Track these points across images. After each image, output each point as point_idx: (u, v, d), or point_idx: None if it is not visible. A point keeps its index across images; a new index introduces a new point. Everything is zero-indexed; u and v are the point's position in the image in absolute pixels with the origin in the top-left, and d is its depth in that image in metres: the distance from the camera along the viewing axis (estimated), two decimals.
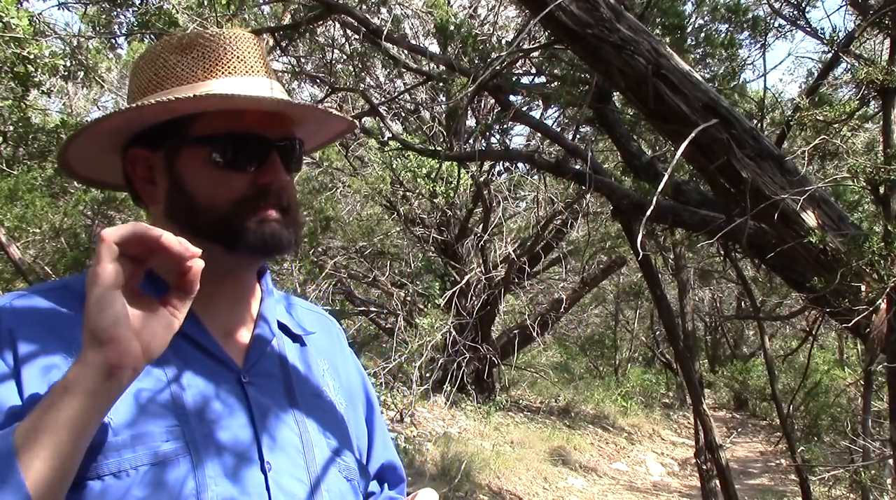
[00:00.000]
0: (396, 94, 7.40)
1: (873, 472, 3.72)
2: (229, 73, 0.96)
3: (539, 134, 7.03)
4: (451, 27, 4.08)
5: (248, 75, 0.97)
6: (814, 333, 4.80)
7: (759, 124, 3.75)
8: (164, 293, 0.81)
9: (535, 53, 4.17)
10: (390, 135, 5.45)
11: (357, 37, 5.46)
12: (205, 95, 0.91)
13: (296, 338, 1.07)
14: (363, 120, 5.72)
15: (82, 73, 5.39)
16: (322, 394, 1.05)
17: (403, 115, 8.60)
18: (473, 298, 8.71)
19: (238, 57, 0.97)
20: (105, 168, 1.03)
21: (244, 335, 1.01)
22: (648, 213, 2.25)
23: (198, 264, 0.80)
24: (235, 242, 0.94)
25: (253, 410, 0.93)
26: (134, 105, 0.93)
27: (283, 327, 1.06)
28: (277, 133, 0.97)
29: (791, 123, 3.25)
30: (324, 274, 7.63)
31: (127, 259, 0.76)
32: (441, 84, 4.53)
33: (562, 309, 9.79)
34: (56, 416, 0.74)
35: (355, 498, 1.02)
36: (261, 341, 1.01)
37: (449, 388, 8.21)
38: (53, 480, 0.74)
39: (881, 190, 2.27)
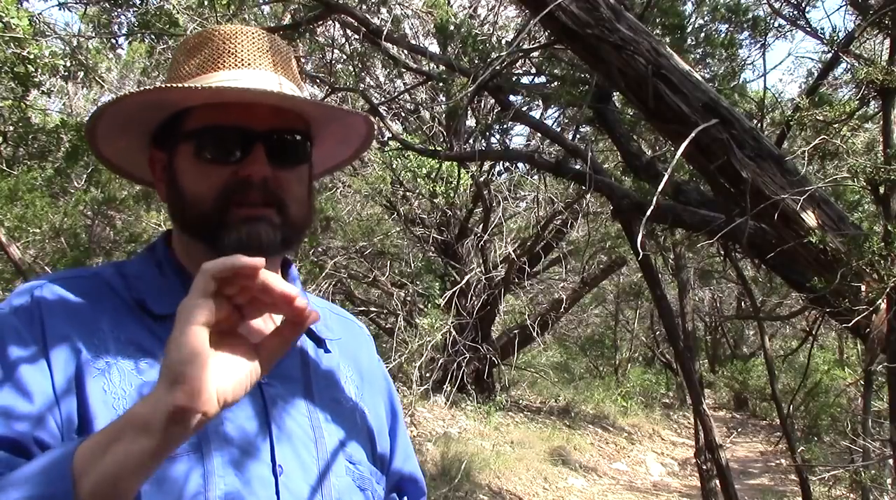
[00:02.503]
0: (396, 94, 7.40)
1: (873, 472, 3.72)
2: (220, 67, 0.95)
3: (539, 134, 7.03)
4: (451, 27, 4.08)
5: (239, 68, 0.95)
6: (814, 333, 4.80)
7: (759, 124, 3.75)
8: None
9: (535, 53, 4.17)
10: (390, 135, 5.44)
11: (357, 37, 5.46)
12: (184, 86, 0.90)
13: (320, 342, 1.04)
14: None
15: (82, 73, 5.40)
16: (342, 400, 1.02)
17: (403, 115, 8.60)
18: (473, 298, 8.71)
19: (229, 51, 0.96)
20: (144, 167, 1.04)
21: None
22: (648, 213, 2.25)
23: (301, 302, 0.74)
24: (215, 242, 0.91)
25: (269, 412, 0.91)
26: (115, 96, 0.93)
27: (307, 330, 1.04)
28: (265, 125, 0.93)
29: (791, 123, 3.25)
30: (324, 274, 7.63)
31: (224, 299, 0.72)
32: (441, 84, 4.53)
33: (562, 309, 9.80)
34: (116, 449, 0.71)
35: None
36: None
37: (449, 388, 8.21)
38: None
39: (881, 190, 2.26)
